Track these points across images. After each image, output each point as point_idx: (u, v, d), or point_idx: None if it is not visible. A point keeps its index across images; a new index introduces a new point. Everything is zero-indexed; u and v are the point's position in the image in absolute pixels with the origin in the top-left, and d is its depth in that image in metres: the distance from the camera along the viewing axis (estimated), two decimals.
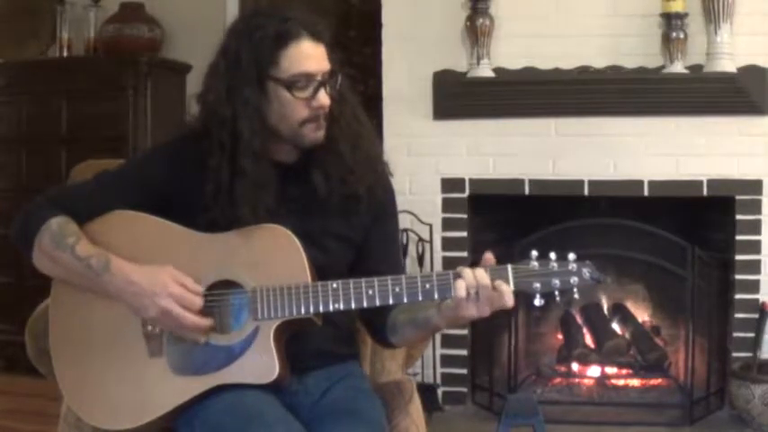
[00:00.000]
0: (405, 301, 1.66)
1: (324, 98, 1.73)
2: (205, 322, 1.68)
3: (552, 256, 1.63)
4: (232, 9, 4.47)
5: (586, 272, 1.63)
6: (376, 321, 1.84)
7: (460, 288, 1.60)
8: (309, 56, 1.71)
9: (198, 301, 1.68)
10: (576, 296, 1.65)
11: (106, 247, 1.74)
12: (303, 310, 1.66)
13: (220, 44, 1.77)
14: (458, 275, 1.62)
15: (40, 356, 1.92)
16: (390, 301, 1.66)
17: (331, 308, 1.66)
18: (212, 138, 1.73)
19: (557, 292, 1.63)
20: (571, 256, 1.63)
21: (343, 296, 1.66)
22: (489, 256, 1.65)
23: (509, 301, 1.61)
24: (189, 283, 1.68)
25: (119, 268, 1.70)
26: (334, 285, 1.66)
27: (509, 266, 1.63)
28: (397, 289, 1.65)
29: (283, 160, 1.80)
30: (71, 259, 1.71)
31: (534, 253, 1.64)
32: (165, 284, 1.67)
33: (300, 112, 1.72)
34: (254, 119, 1.71)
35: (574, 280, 1.62)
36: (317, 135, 1.76)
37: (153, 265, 1.70)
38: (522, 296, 1.64)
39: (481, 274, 1.61)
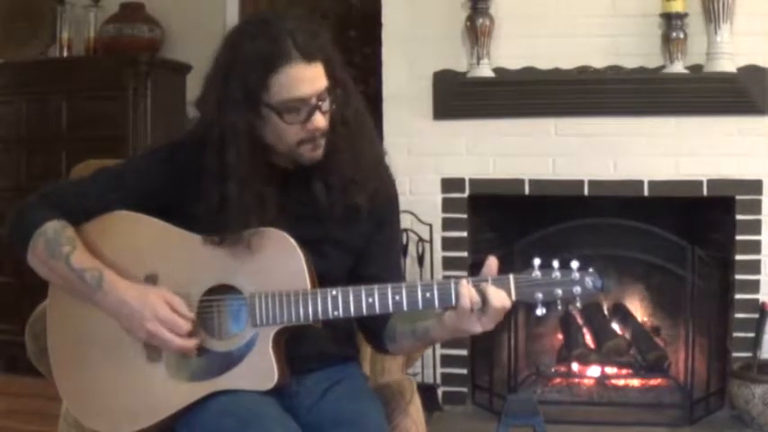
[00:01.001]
0: (405, 309, 1.64)
1: (319, 121, 1.66)
2: (191, 344, 1.67)
3: (555, 264, 1.60)
4: (232, 9, 4.47)
5: (589, 281, 1.59)
6: (373, 327, 1.82)
7: (465, 297, 1.58)
8: (301, 79, 1.62)
9: (186, 326, 1.67)
10: (579, 305, 1.63)
11: (105, 248, 1.73)
12: (302, 317, 1.65)
13: (215, 53, 1.71)
14: (459, 289, 1.60)
15: (40, 356, 1.91)
16: (390, 310, 1.64)
17: (330, 315, 1.64)
18: (204, 161, 1.68)
19: (559, 302, 1.60)
20: (574, 264, 1.60)
21: (343, 304, 1.64)
22: (492, 265, 1.62)
23: (507, 304, 1.60)
24: (179, 305, 1.67)
25: (111, 286, 1.68)
26: (334, 292, 1.64)
27: (511, 276, 1.60)
28: (398, 297, 1.62)
29: (284, 166, 1.77)
30: (65, 270, 1.70)
31: (537, 261, 1.60)
32: (155, 308, 1.65)
33: (296, 135, 1.67)
34: (242, 144, 1.65)
35: (576, 289, 1.59)
36: (315, 154, 1.71)
37: (146, 285, 1.70)
38: (524, 305, 1.62)
39: (487, 290, 1.58)
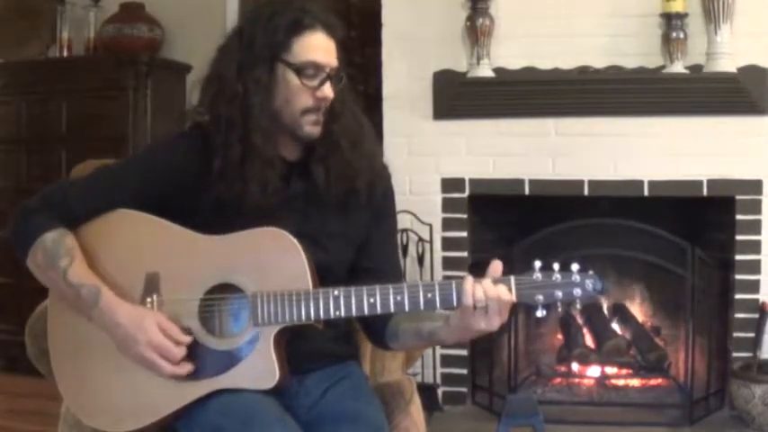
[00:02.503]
0: (406, 309, 1.65)
1: (328, 90, 1.76)
2: (182, 371, 1.68)
3: (555, 266, 1.62)
4: (232, 9, 4.48)
5: (589, 283, 1.61)
6: (375, 325, 1.83)
7: (468, 294, 1.59)
8: (321, 47, 1.75)
9: (179, 353, 1.67)
10: (579, 307, 1.65)
11: (106, 248, 1.74)
12: (304, 317, 1.66)
13: (234, 28, 1.81)
14: (460, 287, 1.61)
15: (40, 356, 1.91)
16: (392, 310, 1.65)
17: (332, 315, 1.66)
18: (220, 116, 1.75)
19: (559, 303, 1.62)
20: (574, 266, 1.62)
21: (344, 304, 1.65)
22: (496, 266, 1.63)
23: (510, 299, 1.60)
24: (173, 331, 1.68)
25: (107, 305, 1.69)
26: (336, 293, 1.66)
27: (512, 278, 1.62)
28: (399, 297, 1.64)
29: (286, 157, 1.81)
30: (62, 284, 1.72)
31: (537, 264, 1.62)
32: (148, 332, 1.66)
33: (304, 101, 1.75)
34: (264, 97, 1.74)
35: (577, 292, 1.61)
36: (315, 129, 1.78)
37: (143, 308, 1.70)
38: (525, 307, 1.63)
39: (488, 286, 1.59)
